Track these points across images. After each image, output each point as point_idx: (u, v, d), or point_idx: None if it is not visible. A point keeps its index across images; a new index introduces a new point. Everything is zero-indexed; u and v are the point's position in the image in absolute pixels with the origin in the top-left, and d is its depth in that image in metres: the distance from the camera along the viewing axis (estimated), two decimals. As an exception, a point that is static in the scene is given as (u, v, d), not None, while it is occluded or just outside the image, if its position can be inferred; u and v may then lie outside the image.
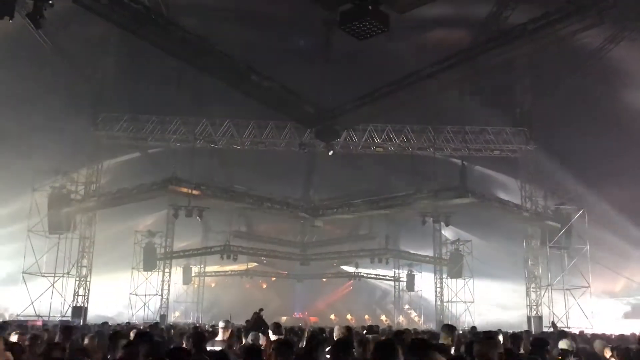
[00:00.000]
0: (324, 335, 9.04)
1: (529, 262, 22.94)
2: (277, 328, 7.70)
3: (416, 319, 37.34)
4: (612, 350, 7.67)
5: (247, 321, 16.82)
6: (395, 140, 21.97)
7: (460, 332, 12.66)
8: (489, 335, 4.96)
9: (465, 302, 27.09)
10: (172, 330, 14.10)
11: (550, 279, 22.23)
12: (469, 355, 5.31)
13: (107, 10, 12.95)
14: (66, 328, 9.19)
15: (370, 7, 10.21)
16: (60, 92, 17.88)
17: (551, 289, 22.18)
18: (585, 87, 18.36)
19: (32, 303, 20.50)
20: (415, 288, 35.16)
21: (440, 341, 6.98)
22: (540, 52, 15.78)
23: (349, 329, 7.66)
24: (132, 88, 20.21)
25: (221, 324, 7.85)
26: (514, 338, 7.83)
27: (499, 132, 22.11)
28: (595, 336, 12.52)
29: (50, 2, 11.00)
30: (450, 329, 7.27)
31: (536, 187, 22.50)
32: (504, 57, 15.43)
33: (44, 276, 20.90)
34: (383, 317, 39.14)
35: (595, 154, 19.32)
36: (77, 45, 17.91)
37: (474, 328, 14.21)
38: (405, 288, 35.63)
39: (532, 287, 22.62)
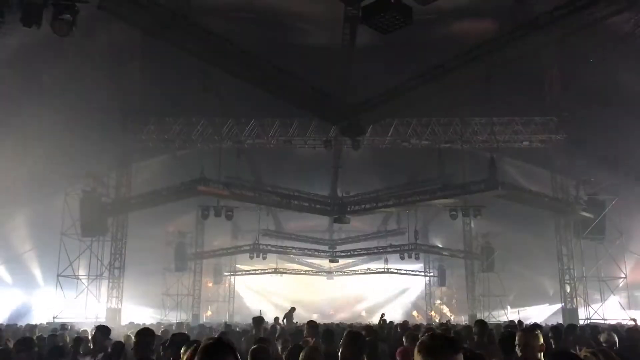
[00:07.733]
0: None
1: (563, 254, 22.42)
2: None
3: (448, 313, 37.10)
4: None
5: (276, 318, 17.13)
6: (422, 134, 21.76)
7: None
8: (531, 327, 4.97)
9: (498, 296, 26.83)
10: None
11: (585, 270, 21.79)
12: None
13: (131, 14, 13.12)
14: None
15: (392, 1, 10.12)
16: (88, 97, 18.13)
17: (586, 281, 21.73)
18: (616, 72, 17.89)
19: (68, 305, 20.98)
20: (447, 283, 35.11)
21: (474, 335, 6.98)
22: (568, 39, 15.43)
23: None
24: (158, 91, 20.39)
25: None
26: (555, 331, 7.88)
27: (528, 122, 21.65)
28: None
29: (76, 9, 11.14)
30: (482, 324, 7.32)
31: (568, 177, 22.00)
32: (530, 46, 15.17)
33: (78, 279, 21.30)
34: (414, 313, 38.97)
35: (627, 140, 18.81)
36: (102, 50, 18.12)
37: (520, 322, 14.20)
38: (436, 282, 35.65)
39: (566, 279, 22.12)
